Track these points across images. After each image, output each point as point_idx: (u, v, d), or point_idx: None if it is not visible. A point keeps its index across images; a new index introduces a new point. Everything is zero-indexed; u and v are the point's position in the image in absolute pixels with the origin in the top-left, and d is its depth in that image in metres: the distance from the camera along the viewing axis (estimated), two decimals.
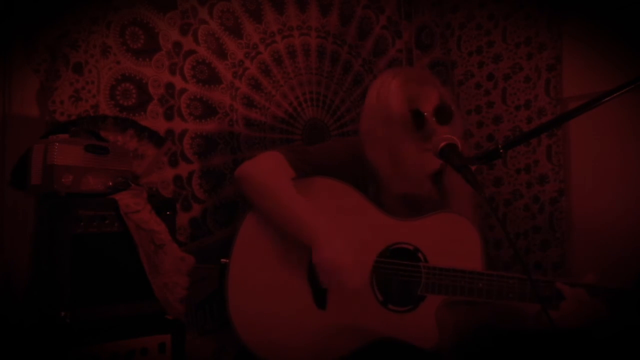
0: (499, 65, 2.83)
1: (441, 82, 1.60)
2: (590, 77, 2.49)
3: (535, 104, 2.69)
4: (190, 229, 2.38)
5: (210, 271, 1.90)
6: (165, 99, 2.34)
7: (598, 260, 2.44)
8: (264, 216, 1.47)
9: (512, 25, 2.79)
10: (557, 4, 2.60)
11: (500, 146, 1.36)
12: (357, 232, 1.46)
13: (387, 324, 1.47)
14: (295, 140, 2.70)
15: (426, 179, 1.56)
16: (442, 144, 1.39)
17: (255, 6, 2.61)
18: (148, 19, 2.30)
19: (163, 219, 1.85)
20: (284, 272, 1.46)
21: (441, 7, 3.07)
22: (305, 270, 1.47)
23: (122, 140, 2.17)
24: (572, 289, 1.48)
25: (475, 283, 1.48)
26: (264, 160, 1.53)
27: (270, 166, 1.50)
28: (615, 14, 2.35)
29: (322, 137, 2.78)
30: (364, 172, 1.56)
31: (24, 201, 1.87)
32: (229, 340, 1.52)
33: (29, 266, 1.78)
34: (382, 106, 1.54)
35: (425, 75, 1.66)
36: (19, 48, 2.01)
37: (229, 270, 1.43)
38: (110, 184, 1.85)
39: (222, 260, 1.45)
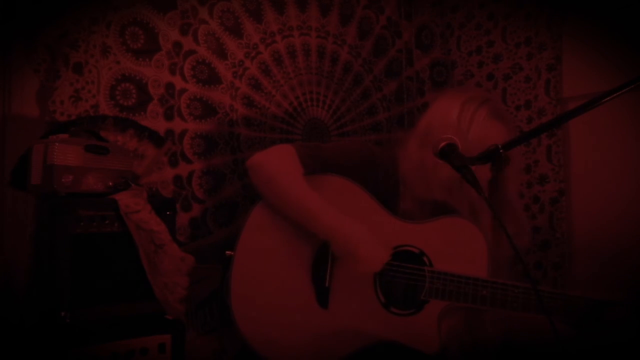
0: (499, 65, 2.82)
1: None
2: (590, 77, 2.48)
3: (535, 104, 2.69)
4: (190, 229, 2.38)
5: (210, 271, 1.90)
6: (165, 99, 2.34)
7: (598, 260, 2.44)
8: (274, 208, 1.47)
9: (512, 25, 2.78)
10: (557, 4, 2.60)
11: (500, 146, 1.36)
12: None
13: (388, 327, 1.47)
14: (295, 140, 2.70)
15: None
16: (442, 144, 1.39)
17: (255, 6, 2.61)
18: (148, 19, 2.30)
19: (163, 219, 1.85)
20: (288, 268, 1.46)
21: (441, 7, 3.07)
22: (309, 268, 1.47)
23: (122, 140, 2.17)
24: (614, 306, 1.48)
25: (480, 290, 1.47)
26: (277, 152, 1.53)
27: (282, 158, 1.50)
28: (615, 14, 2.35)
29: (322, 137, 2.78)
30: (378, 177, 1.56)
31: (24, 201, 1.87)
32: (229, 340, 1.53)
33: (29, 266, 1.78)
34: (463, 125, 1.52)
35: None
36: (19, 48, 2.01)
37: (234, 262, 1.43)
38: (110, 184, 1.84)
39: (227, 252, 1.45)
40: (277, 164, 1.49)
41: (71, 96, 2.09)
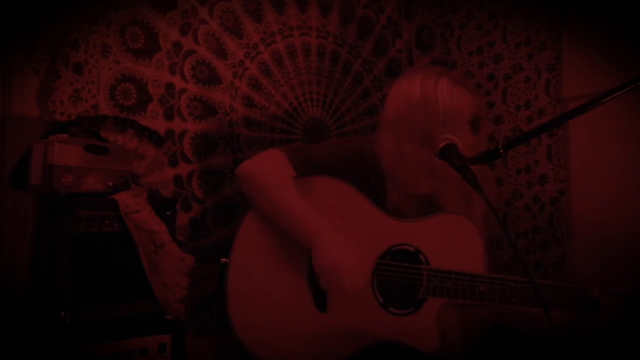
0: (499, 66, 2.82)
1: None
2: (590, 77, 2.48)
3: (535, 104, 2.69)
4: (190, 229, 2.38)
5: (210, 271, 1.90)
6: (165, 99, 2.34)
7: (598, 260, 2.44)
8: (264, 216, 1.47)
9: (512, 25, 2.78)
10: (557, 4, 2.60)
11: (500, 146, 1.36)
12: (357, 233, 1.45)
13: (387, 327, 1.47)
14: (295, 140, 2.70)
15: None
16: (442, 144, 1.39)
17: (255, 6, 2.61)
18: (148, 18, 2.30)
19: (163, 219, 1.84)
20: (284, 273, 1.45)
21: (441, 7, 3.07)
22: (305, 272, 1.46)
23: (122, 140, 2.17)
24: (610, 297, 1.47)
25: (477, 286, 1.47)
26: (265, 158, 1.51)
27: (271, 165, 1.49)
28: (615, 14, 2.35)
29: (322, 137, 2.78)
30: (367, 172, 1.55)
31: (24, 201, 1.87)
32: (229, 340, 1.52)
33: (29, 266, 1.78)
34: (430, 101, 1.51)
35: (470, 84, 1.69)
36: (19, 48, 2.01)
37: (229, 270, 1.42)
38: (110, 184, 1.84)
39: (221, 260, 1.44)
40: (267, 171, 1.47)
41: (71, 96, 2.09)
